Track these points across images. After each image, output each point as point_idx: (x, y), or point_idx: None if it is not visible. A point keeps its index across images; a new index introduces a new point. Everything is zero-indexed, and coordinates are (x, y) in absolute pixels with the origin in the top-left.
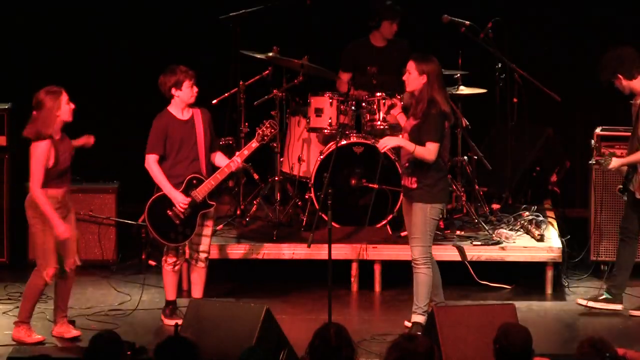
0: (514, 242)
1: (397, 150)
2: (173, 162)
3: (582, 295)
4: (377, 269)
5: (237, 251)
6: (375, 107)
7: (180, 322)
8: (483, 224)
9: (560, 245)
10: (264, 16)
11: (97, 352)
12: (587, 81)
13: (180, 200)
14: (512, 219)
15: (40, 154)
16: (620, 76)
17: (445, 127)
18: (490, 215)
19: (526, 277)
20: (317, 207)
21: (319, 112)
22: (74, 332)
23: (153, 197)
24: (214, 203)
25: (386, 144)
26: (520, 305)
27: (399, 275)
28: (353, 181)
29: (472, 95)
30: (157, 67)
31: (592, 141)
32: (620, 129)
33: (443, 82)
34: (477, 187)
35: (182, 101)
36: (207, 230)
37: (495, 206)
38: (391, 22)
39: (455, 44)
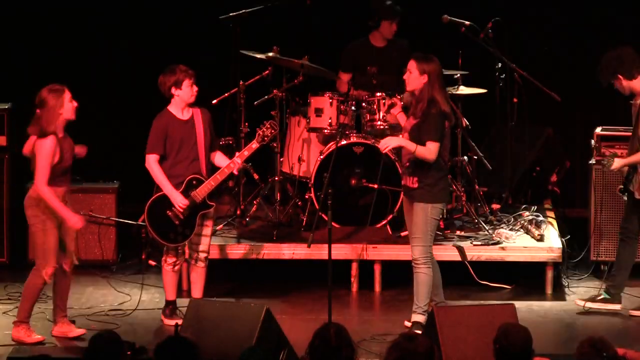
0: (514, 242)
1: (397, 150)
2: (173, 162)
3: (582, 295)
4: (377, 269)
5: (237, 251)
6: (375, 107)
7: (180, 322)
8: (483, 224)
9: (560, 245)
10: (264, 16)
11: (97, 352)
12: (587, 81)
13: (179, 201)
14: (512, 219)
15: (48, 150)
16: (621, 76)
17: (446, 126)
18: (490, 215)
19: (526, 277)
20: (317, 207)
21: (319, 112)
22: (78, 331)
23: (153, 198)
24: (213, 204)
25: (388, 144)
26: (520, 305)
27: (399, 275)
28: (353, 181)
29: (472, 95)
30: (157, 67)
31: (592, 141)
32: (620, 129)
33: (443, 82)
34: (477, 187)
35: (182, 100)
36: (207, 230)
37: (495, 206)
38: (390, 21)
39: (455, 44)
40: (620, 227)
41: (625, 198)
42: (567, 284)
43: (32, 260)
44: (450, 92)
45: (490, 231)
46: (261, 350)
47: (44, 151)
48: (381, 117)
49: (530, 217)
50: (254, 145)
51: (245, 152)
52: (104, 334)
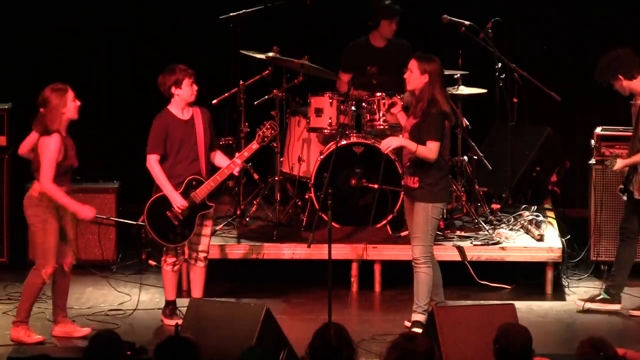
0: (514, 242)
1: (397, 150)
2: (173, 162)
3: (582, 295)
4: (377, 269)
5: (237, 251)
6: (375, 107)
7: (180, 322)
8: (483, 224)
9: (560, 245)
10: (264, 16)
11: (97, 352)
12: (587, 81)
13: (178, 202)
14: (512, 219)
15: (53, 148)
16: (621, 77)
17: (446, 126)
18: (490, 215)
19: (526, 277)
20: (317, 207)
21: (319, 112)
22: (83, 331)
23: (152, 198)
24: (213, 204)
25: (389, 144)
26: (520, 305)
27: (399, 275)
28: (353, 181)
29: (472, 95)
30: (157, 67)
31: (592, 141)
32: (620, 129)
33: (444, 82)
34: (477, 187)
35: (182, 100)
36: (207, 230)
37: (495, 206)
38: (390, 21)
39: (455, 44)
40: (620, 227)
41: (625, 198)
42: (567, 284)
43: (32, 260)
44: (450, 92)
45: (490, 231)
46: (261, 350)
47: (49, 149)
48: (381, 117)
49: (530, 217)
50: (254, 146)
51: (245, 153)
52: (104, 334)
